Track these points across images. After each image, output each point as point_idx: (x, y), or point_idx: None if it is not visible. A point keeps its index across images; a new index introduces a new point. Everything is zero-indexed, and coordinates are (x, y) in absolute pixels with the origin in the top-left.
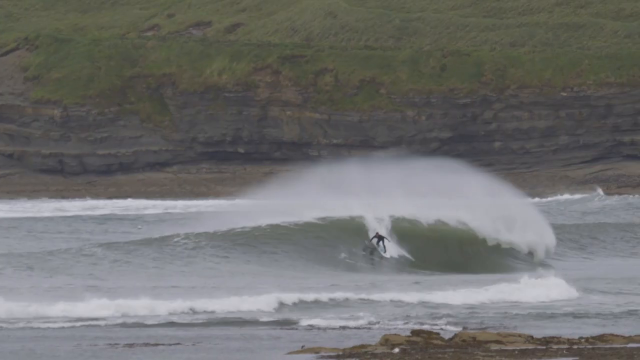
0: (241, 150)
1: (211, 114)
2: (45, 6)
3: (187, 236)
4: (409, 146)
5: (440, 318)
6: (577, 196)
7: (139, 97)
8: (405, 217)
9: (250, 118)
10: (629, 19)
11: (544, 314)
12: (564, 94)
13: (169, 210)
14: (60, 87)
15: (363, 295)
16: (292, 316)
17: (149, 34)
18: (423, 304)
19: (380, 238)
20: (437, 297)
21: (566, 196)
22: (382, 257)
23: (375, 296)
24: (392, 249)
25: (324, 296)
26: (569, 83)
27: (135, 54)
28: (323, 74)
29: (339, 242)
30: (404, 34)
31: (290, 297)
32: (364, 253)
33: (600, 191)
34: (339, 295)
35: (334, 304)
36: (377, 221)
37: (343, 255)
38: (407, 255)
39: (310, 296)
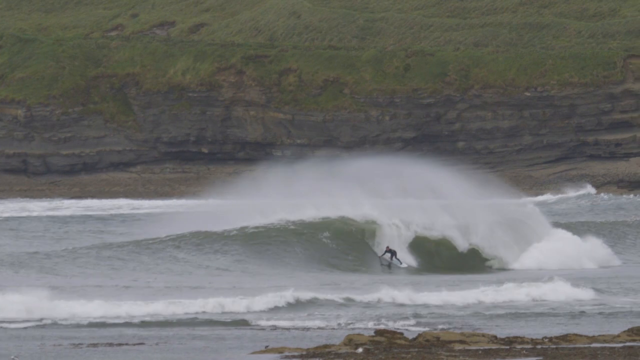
0: (205, 150)
1: (175, 114)
2: (9, 6)
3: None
4: (372, 146)
5: (408, 318)
6: (570, 194)
7: (103, 97)
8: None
9: (214, 118)
10: (592, 19)
11: (514, 314)
12: (528, 94)
13: (141, 211)
14: (23, 86)
15: (328, 296)
16: (258, 316)
17: (113, 33)
18: (396, 303)
19: (392, 252)
20: (414, 297)
21: (564, 195)
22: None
23: (341, 296)
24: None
25: (290, 296)
26: (533, 83)
27: (99, 53)
28: (287, 74)
29: (324, 242)
30: (367, 34)
31: (258, 298)
32: (382, 265)
33: (591, 189)
34: (304, 295)
35: (299, 304)
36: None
37: (323, 255)
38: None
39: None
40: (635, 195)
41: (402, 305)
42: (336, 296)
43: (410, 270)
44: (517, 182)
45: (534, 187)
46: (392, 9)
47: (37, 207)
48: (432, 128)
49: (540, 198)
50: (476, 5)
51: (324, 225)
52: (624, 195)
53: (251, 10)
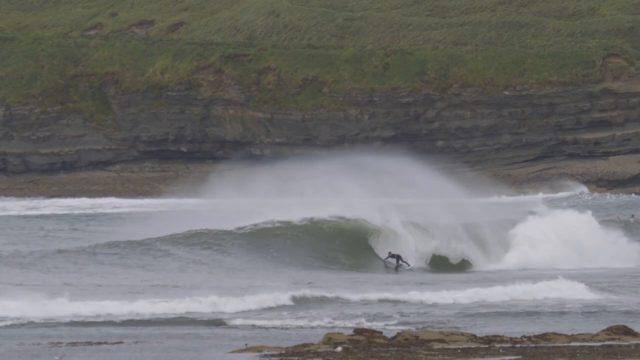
0: (184, 149)
1: (154, 113)
2: None
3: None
4: (351, 145)
5: (391, 317)
6: (561, 194)
7: (82, 96)
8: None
9: (192, 117)
10: (571, 17)
11: (496, 312)
12: (507, 93)
13: (123, 209)
14: (2, 85)
15: (318, 294)
16: (237, 315)
17: (92, 32)
18: (381, 302)
19: (397, 257)
20: (400, 296)
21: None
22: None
23: (329, 295)
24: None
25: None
26: (512, 82)
27: (78, 52)
28: (266, 72)
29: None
30: (346, 33)
31: (238, 298)
32: (387, 267)
33: (585, 189)
34: (294, 294)
35: (288, 304)
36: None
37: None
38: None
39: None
40: (618, 194)
41: (387, 304)
42: (325, 294)
43: (411, 271)
44: (496, 181)
45: (513, 185)
46: (371, 8)
47: (16, 206)
48: (411, 127)
49: (538, 196)
50: (455, 4)
51: (330, 225)
52: (607, 195)
53: (230, 9)
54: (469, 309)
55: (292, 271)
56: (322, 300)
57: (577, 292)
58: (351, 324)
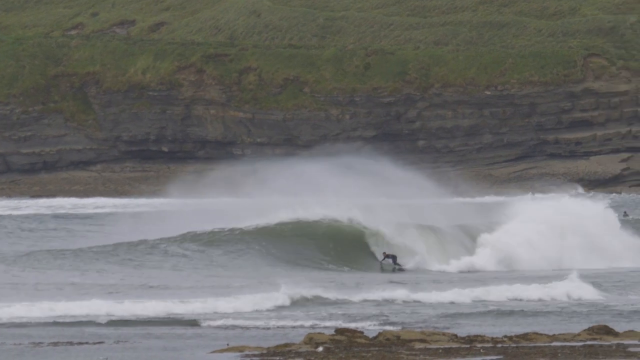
0: (165, 149)
1: (135, 113)
2: None
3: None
4: (333, 145)
5: (371, 317)
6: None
7: (63, 96)
8: None
9: (174, 117)
10: (552, 17)
11: (482, 312)
12: (488, 93)
13: (105, 209)
14: None
15: (294, 292)
16: (219, 315)
17: (73, 32)
18: (366, 303)
19: (393, 257)
20: (380, 296)
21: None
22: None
23: (315, 294)
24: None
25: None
26: (493, 82)
27: (59, 52)
28: (247, 72)
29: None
30: (327, 33)
31: (221, 298)
32: (383, 269)
33: (580, 189)
34: (268, 294)
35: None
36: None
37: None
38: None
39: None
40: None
41: (369, 303)
42: (307, 294)
43: (412, 271)
44: (478, 180)
45: (494, 185)
46: (352, 8)
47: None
48: (392, 127)
49: (527, 197)
50: (436, 3)
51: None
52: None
53: (211, 9)
54: (449, 308)
55: (278, 270)
56: (304, 300)
57: (581, 292)
58: (333, 323)
